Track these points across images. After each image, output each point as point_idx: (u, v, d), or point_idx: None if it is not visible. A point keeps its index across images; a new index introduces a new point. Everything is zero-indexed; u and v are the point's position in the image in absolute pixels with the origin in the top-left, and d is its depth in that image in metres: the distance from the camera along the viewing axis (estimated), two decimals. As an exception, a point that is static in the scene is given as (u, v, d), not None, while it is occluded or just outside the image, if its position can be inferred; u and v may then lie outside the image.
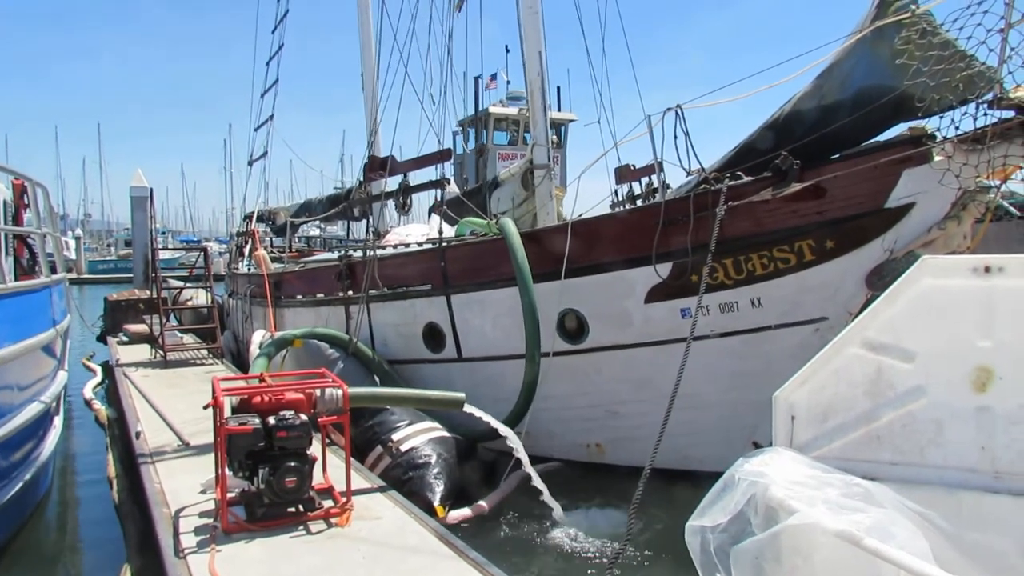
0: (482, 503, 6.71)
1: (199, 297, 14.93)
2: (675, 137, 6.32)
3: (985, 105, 4.89)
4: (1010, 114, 4.81)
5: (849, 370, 2.98)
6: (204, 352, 12.33)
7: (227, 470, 4.81)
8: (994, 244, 15.41)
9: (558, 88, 21.62)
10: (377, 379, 8.29)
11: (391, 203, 11.18)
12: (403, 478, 6.50)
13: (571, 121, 21.11)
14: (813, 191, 5.78)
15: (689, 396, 6.23)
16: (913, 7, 5.18)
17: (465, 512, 6.51)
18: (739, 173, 6.14)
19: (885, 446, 2.94)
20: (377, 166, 9.04)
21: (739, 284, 6.29)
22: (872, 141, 5.77)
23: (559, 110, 21.56)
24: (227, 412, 4.83)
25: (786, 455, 2.85)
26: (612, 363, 7.13)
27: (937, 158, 5.28)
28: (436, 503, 6.25)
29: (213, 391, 4.85)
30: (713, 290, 6.31)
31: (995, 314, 2.76)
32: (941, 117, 5.13)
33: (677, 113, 6.31)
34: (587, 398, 7.41)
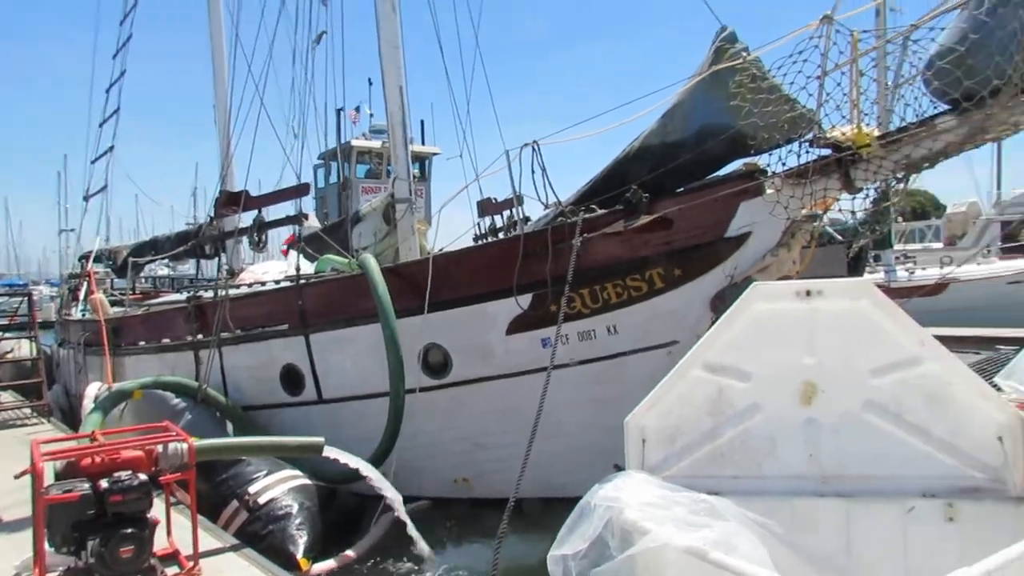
0: (349, 552, 6.48)
1: (22, 348, 13.56)
2: (532, 172, 6.52)
3: (807, 144, 5.37)
4: (827, 152, 5.31)
5: (692, 392, 3.14)
6: (27, 411, 10.97)
7: (47, 546, 4.30)
8: (820, 267, 16.88)
9: (422, 121, 21.71)
10: (231, 427, 7.86)
11: (246, 240, 10.74)
12: (262, 533, 6.17)
13: (435, 154, 21.24)
14: (661, 222, 6.10)
15: (553, 424, 6.34)
16: (744, 54, 5.63)
17: (331, 563, 6.25)
18: (593, 206, 6.38)
19: (727, 462, 3.11)
20: (229, 201, 8.68)
21: (596, 312, 6.51)
22: (713, 176, 6.18)
23: (423, 143, 21.67)
24: (49, 479, 4.37)
25: (638, 477, 2.95)
26: (477, 396, 7.14)
27: (768, 191, 5.73)
28: (300, 556, 5.96)
29: (32, 456, 4.38)
30: (571, 319, 6.49)
31: (816, 333, 3.01)
32: (770, 154, 5.60)
33: (534, 148, 6.50)
34: (453, 432, 7.36)
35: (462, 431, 7.34)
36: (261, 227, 8.62)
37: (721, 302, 6.05)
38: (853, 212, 5.46)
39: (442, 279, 6.94)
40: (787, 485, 3.03)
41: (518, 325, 6.74)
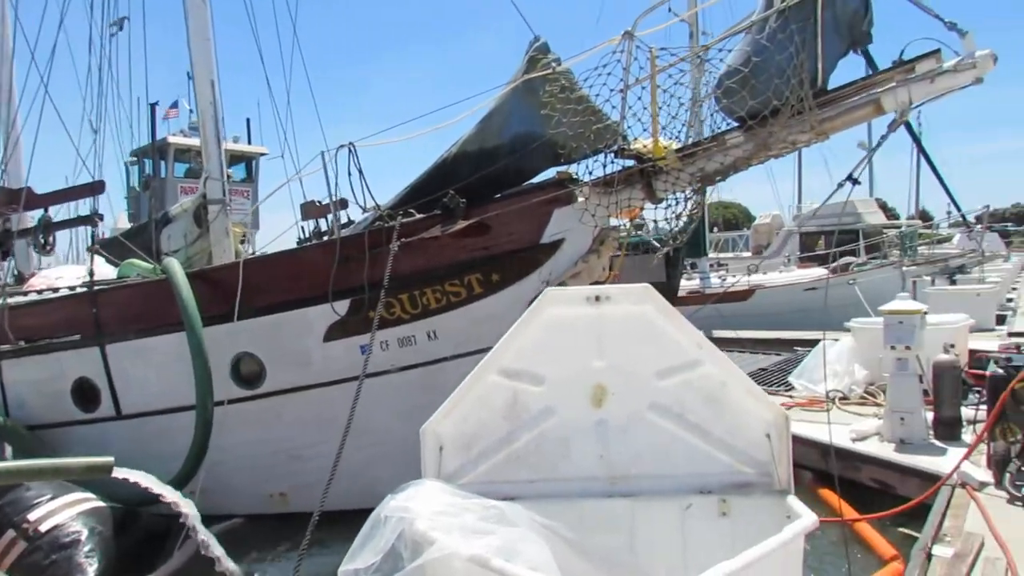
0: (148, 577, 5.95)
1: None
2: (348, 174, 6.33)
3: (612, 154, 5.60)
4: (631, 163, 5.56)
5: (489, 397, 3.14)
6: None
7: None
8: (641, 274, 17.71)
9: (248, 120, 20.72)
10: (11, 449, 7.02)
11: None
12: (44, 563, 5.52)
13: (262, 155, 20.30)
14: (479, 228, 6.12)
15: (373, 432, 6.19)
16: (555, 65, 5.78)
17: (124, 592, 5.71)
18: (412, 211, 6.30)
19: (523, 465, 3.13)
20: (8, 199, 7.77)
21: (416, 318, 6.42)
22: (529, 183, 6.29)
23: (249, 143, 20.67)
24: None
25: (430, 486, 2.89)
26: (293, 406, 6.83)
27: (579, 199, 5.91)
28: (86, 586, 5.40)
29: None
30: (391, 325, 6.37)
31: (605, 337, 3.10)
32: (579, 163, 5.79)
33: (350, 150, 6.32)
34: (268, 445, 7.00)
35: (278, 443, 6.99)
36: (47, 228, 7.78)
37: (537, 307, 6.17)
38: (656, 221, 5.75)
39: (255, 284, 6.58)
40: (580, 487, 3.10)
41: (335, 332, 6.52)
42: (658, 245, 17.68)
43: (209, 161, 8.36)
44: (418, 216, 6.25)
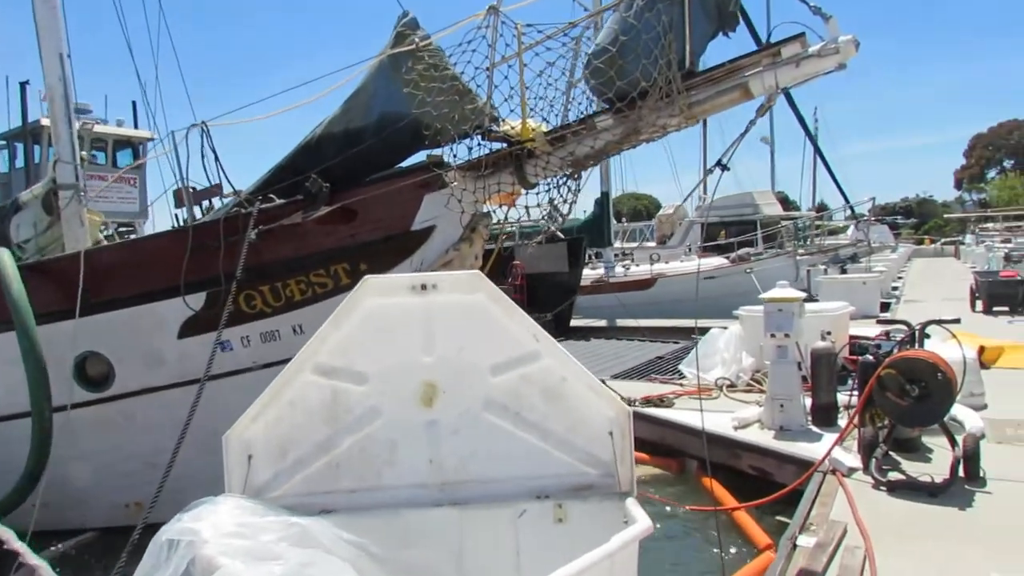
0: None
1: None
2: (202, 156, 5.84)
3: (481, 137, 5.31)
4: (500, 146, 5.29)
5: (305, 398, 2.80)
6: None
7: None
8: (543, 263, 17.60)
9: (134, 103, 19.55)
10: None
11: None
12: None
13: (149, 140, 19.17)
14: (345, 214, 5.74)
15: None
16: (418, 41, 5.44)
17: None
18: (272, 196, 5.86)
19: (344, 473, 2.81)
20: None
21: (279, 311, 5.99)
22: (399, 166, 5.94)
23: (136, 127, 19.49)
24: None
25: (226, 503, 2.54)
26: (147, 408, 6.28)
27: (450, 184, 5.61)
28: None
29: None
30: (252, 319, 5.92)
31: (434, 330, 2.81)
32: (450, 147, 5.47)
33: (203, 130, 5.83)
34: (120, 452, 6.43)
35: (131, 449, 6.42)
36: None
37: (409, 298, 5.85)
38: (527, 208, 5.52)
39: (101, 277, 6.00)
40: (406, 495, 2.81)
41: (191, 327, 6.02)
42: (561, 235, 17.66)
43: (59, 142, 7.64)
44: (279, 202, 5.82)
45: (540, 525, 2.74)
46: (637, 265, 21.37)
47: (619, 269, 20.86)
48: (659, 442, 7.89)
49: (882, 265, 22.65)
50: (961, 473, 5.36)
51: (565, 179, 5.33)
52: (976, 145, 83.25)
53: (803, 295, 7.37)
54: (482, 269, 6.12)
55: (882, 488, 5.31)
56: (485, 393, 2.82)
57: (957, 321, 6.14)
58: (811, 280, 19.32)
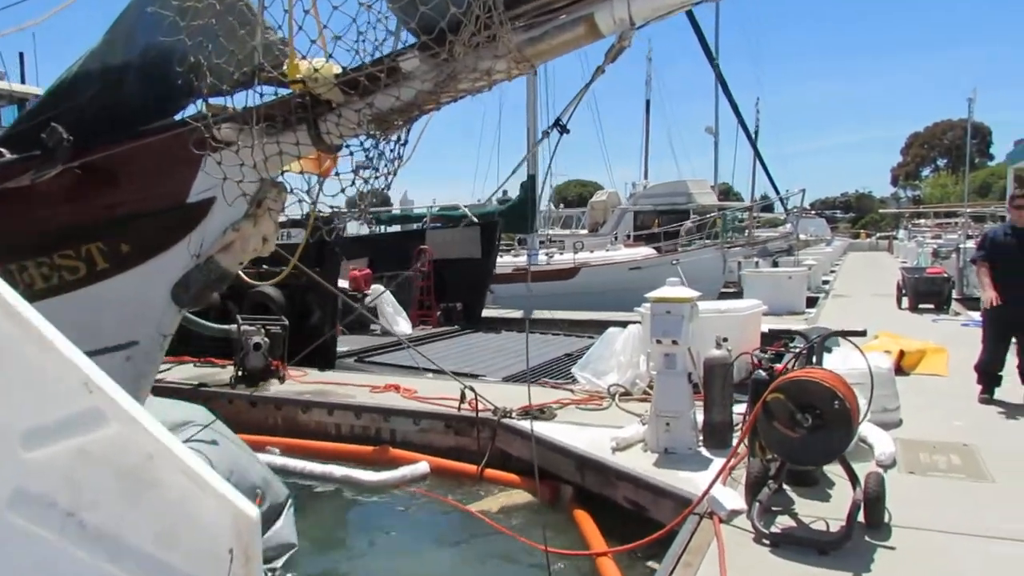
0: None
1: None
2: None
3: (266, 83, 4.04)
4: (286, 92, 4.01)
5: None
6: None
7: None
8: (456, 248, 16.33)
9: (21, 55, 17.74)
10: None
11: None
12: None
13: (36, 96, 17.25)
14: (100, 180, 4.40)
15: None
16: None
17: None
18: (2, 151, 4.47)
19: None
20: None
21: None
22: (174, 119, 4.61)
23: (23, 81, 17.58)
24: None
25: None
26: None
27: (233, 145, 4.30)
28: None
29: None
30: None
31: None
32: (232, 96, 4.16)
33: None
34: None
35: None
36: None
37: (185, 291, 4.54)
38: (339, 176, 4.25)
39: None
40: None
41: None
42: (475, 220, 16.40)
43: None
44: (10, 157, 4.43)
45: None
46: (562, 253, 20.30)
47: (542, 257, 19.78)
48: (529, 461, 6.78)
49: (813, 259, 22.10)
50: (861, 518, 4.37)
51: (376, 143, 4.08)
52: (913, 143, 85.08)
53: (696, 294, 6.31)
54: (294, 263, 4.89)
55: (764, 542, 4.26)
56: (13, 480, 1.59)
57: (862, 334, 5.14)
58: (740, 273, 18.58)
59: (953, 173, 70.33)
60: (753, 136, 25.33)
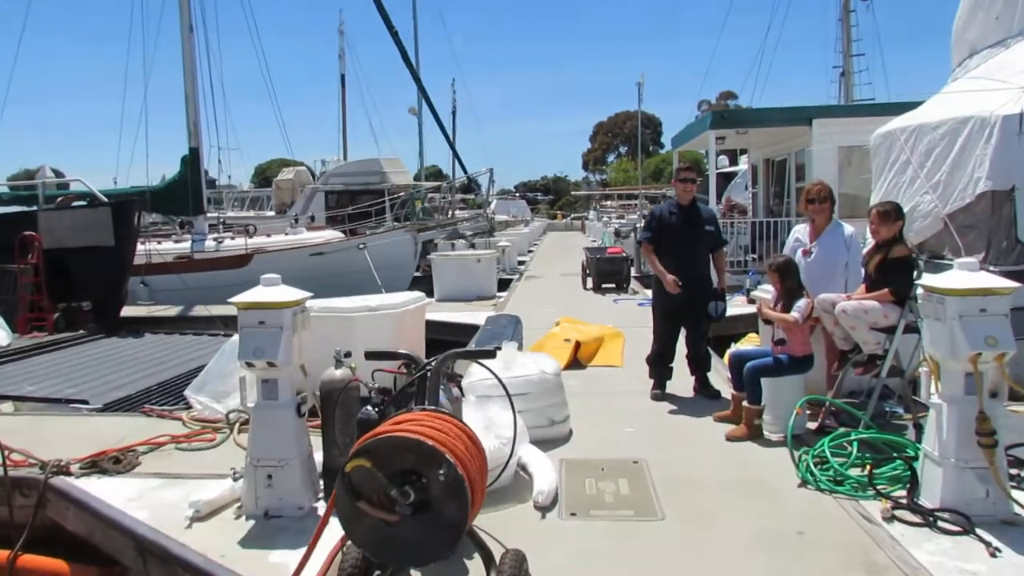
0: None
1: None
2: None
3: None
4: None
5: None
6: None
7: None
8: (83, 233, 13.09)
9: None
10: None
11: None
12: None
13: None
14: None
15: None
16: None
17: None
18: None
19: None
20: None
21: None
22: None
23: None
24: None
25: None
26: None
27: None
28: None
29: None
30: None
31: None
32: None
33: None
34: None
35: None
36: None
37: None
38: None
39: None
40: None
41: None
42: (104, 198, 13.18)
43: None
44: None
45: None
46: (232, 238, 17.57)
47: (210, 243, 16.93)
48: (88, 539, 4.64)
49: (507, 240, 21.90)
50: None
51: None
52: (599, 132, 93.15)
53: (307, 294, 4.66)
54: None
55: None
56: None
57: (491, 355, 3.83)
58: (429, 257, 17.51)
59: (632, 159, 77.98)
60: (451, 116, 24.50)
